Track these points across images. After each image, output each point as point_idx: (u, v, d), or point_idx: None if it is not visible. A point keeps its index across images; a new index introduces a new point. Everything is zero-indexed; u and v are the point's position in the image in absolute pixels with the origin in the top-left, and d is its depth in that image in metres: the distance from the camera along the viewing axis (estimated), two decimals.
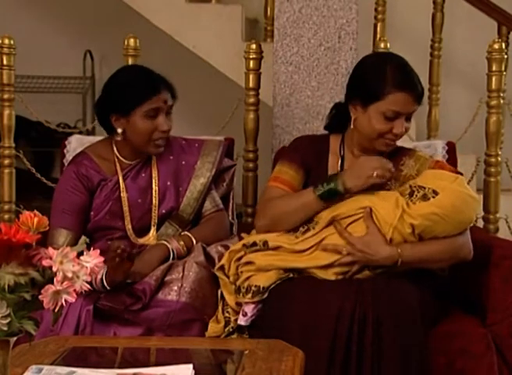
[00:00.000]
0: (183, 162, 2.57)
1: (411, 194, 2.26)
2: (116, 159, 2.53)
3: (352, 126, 2.39)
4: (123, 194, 2.49)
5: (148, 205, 2.51)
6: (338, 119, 2.49)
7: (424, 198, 2.24)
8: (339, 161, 2.45)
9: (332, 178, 2.33)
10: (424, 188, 2.26)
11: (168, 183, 2.53)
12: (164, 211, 2.51)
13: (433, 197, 2.24)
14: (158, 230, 2.51)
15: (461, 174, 2.39)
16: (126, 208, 2.48)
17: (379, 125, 2.32)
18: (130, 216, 2.49)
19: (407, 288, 2.20)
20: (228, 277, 2.34)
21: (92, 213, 2.49)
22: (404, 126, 2.33)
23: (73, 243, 2.35)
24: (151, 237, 2.50)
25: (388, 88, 2.30)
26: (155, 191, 2.52)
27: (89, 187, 2.50)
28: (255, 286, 2.25)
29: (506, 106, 3.39)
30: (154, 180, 2.52)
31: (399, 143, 2.46)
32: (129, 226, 2.48)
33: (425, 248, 2.26)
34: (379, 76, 2.32)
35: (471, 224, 2.34)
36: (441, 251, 2.27)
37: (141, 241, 2.49)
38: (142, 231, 2.50)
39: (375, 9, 4.12)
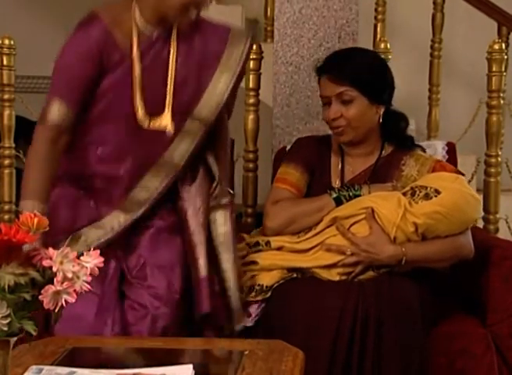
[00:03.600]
0: (208, 51, 2.25)
1: (413, 194, 2.27)
2: (134, 26, 2.17)
3: None
4: (136, 73, 2.17)
5: (163, 90, 2.20)
6: None
7: (427, 197, 2.25)
8: (340, 161, 2.45)
9: (355, 186, 2.37)
10: (426, 188, 2.26)
11: (188, 72, 2.22)
12: (180, 101, 2.21)
13: (435, 196, 2.24)
14: (173, 120, 2.21)
15: (462, 174, 2.40)
16: (137, 88, 2.17)
17: (323, 114, 2.41)
18: (143, 98, 2.18)
19: (408, 288, 2.20)
20: None
21: (98, 93, 2.19)
22: (340, 111, 2.34)
23: (65, 117, 2.16)
24: (163, 121, 2.20)
25: (318, 75, 2.42)
26: (171, 77, 2.21)
27: (99, 59, 2.17)
28: (258, 285, 2.26)
29: (506, 107, 3.40)
30: (172, 65, 2.21)
31: None
32: (139, 111, 2.17)
33: (428, 247, 2.27)
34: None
35: (473, 223, 2.35)
36: (444, 250, 2.28)
37: (153, 124, 2.19)
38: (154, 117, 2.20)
39: (375, 10, 4.11)
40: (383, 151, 2.44)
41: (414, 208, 2.24)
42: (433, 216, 2.24)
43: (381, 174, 2.41)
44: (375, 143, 2.43)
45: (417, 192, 2.27)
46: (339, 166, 2.45)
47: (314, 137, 2.57)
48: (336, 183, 2.43)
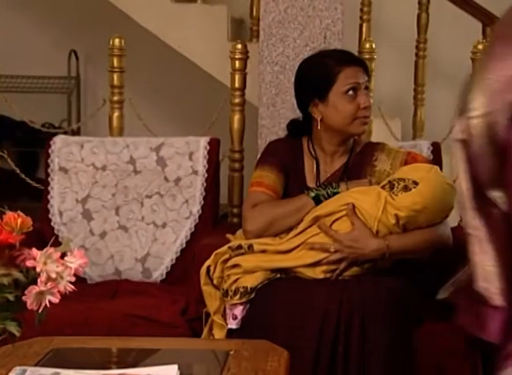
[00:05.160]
0: None
1: (392, 187, 2.29)
2: None
3: (319, 127, 2.42)
4: None
5: None
6: (298, 130, 2.52)
7: (406, 189, 2.27)
8: (315, 163, 2.46)
9: (332, 184, 2.37)
10: (404, 180, 2.29)
11: None
12: None
13: (414, 187, 2.27)
14: None
15: (436, 164, 2.43)
16: None
17: (348, 106, 2.38)
18: None
19: (392, 286, 2.21)
20: (212, 280, 2.34)
21: None
22: (368, 98, 2.40)
23: None
24: None
25: (336, 68, 2.39)
26: None
27: None
28: (243, 287, 2.25)
29: None
30: None
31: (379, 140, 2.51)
32: None
33: (410, 238, 2.29)
34: (322, 66, 2.41)
35: (451, 211, 2.37)
36: (425, 240, 2.30)
37: None
38: None
39: (361, 10, 4.12)
40: (355, 149, 2.46)
41: (395, 201, 2.26)
42: (414, 207, 2.26)
43: (354, 172, 2.42)
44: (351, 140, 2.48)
45: (396, 185, 2.29)
46: (314, 167, 2.45)
47: (285, 140, 2.56)
48: (311, 183, 2.43)
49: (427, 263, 2.38)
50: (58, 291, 1.39)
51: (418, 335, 2.25)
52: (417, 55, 4.07)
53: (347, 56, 2.45)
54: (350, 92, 2.37)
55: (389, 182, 2.31)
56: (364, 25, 4.11)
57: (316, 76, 2.41)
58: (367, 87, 2.42)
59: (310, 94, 2.41)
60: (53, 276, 1.38)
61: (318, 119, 2.41)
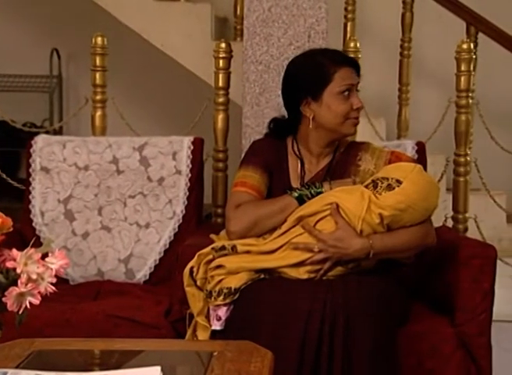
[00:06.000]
0: None
1: (375, 186, 2.28)
2: None
3: (311, 126, 2.40)
4: None
5: None
6: (282, 130, 2.50)
7: (389, 187, 2.27)
8: (299, 163, 2.45)
9: (316, 184, 2.36)
10: (388, 179, 2.29)
11: None
12: None
13: (398, 186, 2.27)
14: None
15: (420, 163, 2.43)
16: None
17: (341, 106, 2.38)
18: None
19: (376, 286, 2.21)
20: (195, 282, 2.32)
21: None
22: (360, 99, 2.41)
23: None
24: None
25: (332, 68, 2.38)
26: None
27: None
28: (227, 288, 2.24)
29: (474, 106, 3.41)
30: None
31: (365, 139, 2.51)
32: None
33: (395, 238, 2.28)
34: (317, 65, 2.40)
35: (435, 210, 2.37)
36: (409, 239, 2.30)
37: None
38: None
39: (345, 9, 4.12)
40: (339, 149, 2.46)
41: (379, 200, 2.25)
42: (398, 206, 2.25)
43: (338, 171, 2.42)
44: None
45: (380, 184, 2.28)
46: (298, 167, 2.44)
47: (269, 139, 2.55)
48: (295, 184, 2.43)
49: (411, 263, 2.38)
50: (39, 292, 1.37)
51: (403, 335, 2.25)
52: (401, 54, 4.08)
53: (342, 56, 2.45)
54: (345, 93, 2.37)
55: (373, 181, 2.30)
56: (349, 24, 4.11)
57: (310, 74, 2.40)
58: (357, 89, 2.43)
59: (302, 92, 2.40)
60: (34, 277, 1.36)
61: (310, 118, 2.40)
